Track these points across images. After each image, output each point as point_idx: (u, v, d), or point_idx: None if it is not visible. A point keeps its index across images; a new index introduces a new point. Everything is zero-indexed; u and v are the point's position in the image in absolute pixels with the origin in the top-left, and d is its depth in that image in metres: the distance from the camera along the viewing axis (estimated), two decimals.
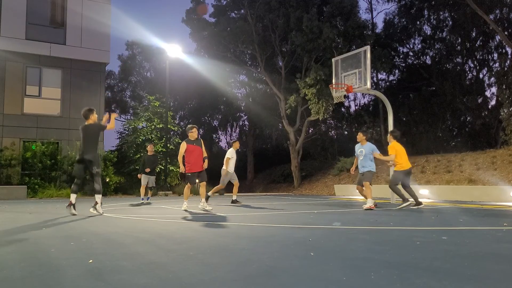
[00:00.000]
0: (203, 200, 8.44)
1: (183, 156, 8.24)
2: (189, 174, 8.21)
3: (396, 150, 8.79)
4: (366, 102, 31.85)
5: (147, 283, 2.30)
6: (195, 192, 18.67)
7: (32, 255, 3.24)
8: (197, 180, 8.42)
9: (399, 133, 9.37)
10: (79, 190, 7.30)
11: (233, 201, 10.56)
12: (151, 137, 20.34)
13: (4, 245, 3.74)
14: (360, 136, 9.02)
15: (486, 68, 26.37)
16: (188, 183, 8.30)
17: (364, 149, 8.90)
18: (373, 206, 8.72)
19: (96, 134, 7.18)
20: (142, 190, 11.35)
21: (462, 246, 3.55)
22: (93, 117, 7.27)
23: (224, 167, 10.38)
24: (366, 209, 8.49)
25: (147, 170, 11.24)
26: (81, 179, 7.18)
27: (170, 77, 21.20)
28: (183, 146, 8.21)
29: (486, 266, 2.72)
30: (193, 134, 8.27)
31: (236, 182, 10.64)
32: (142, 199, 11.31)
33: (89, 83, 19.30)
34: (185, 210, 8.09)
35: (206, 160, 8.35)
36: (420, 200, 9.01)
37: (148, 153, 11.60)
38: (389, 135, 9.27)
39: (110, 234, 4.47)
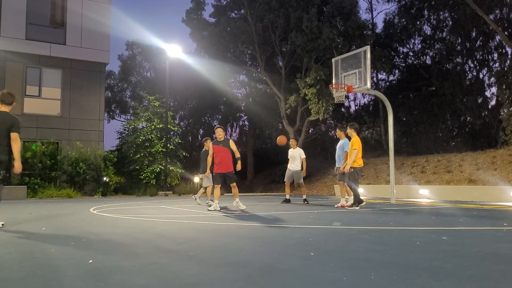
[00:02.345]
0: (237, 199, 8.48)
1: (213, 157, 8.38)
2: (214, 174, 8.32)
3: (359, 145, 8.37)
4: (366, 102, 31.88)
5: (147, 284, 2.30)
6: (195, 191, 18.68)
7: (32, 255, 3.24)
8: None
9: (358, 126, 9.17)
10: None
11: (304, 200, 10.93)
12: (151, 137, 20.33)
13: (3, 245, 3.73)
14: (337, 132, 9.27)
15: (486, 68, 26.37)
16: (215, 184, 8.34)
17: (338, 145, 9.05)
18: (344, 205, 8.78)
19: (5, 126, 5.27)
20: (210, 190, 9.78)
21: (462, 246, 3.54)
22: (9, 107, 5.63)
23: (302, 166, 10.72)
24: (348, 207, 8.63)
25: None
26: None
27: (170, 77, 21.20)
28: (210, 147, 8.41)
29: (486, 266, 2.72)
30: (218, 134, 8.33)
31: (302, 183, 11.10)
32: (212, 199, 9.34)
33: (89, 83, 19.30)
34: (215, 210, 8.09)
35: (239, 162, 8.22)
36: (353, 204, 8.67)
37: (206, 149, 10.22)
38: (349, 128, 8.69)
39: (110, 235, 4.47)
